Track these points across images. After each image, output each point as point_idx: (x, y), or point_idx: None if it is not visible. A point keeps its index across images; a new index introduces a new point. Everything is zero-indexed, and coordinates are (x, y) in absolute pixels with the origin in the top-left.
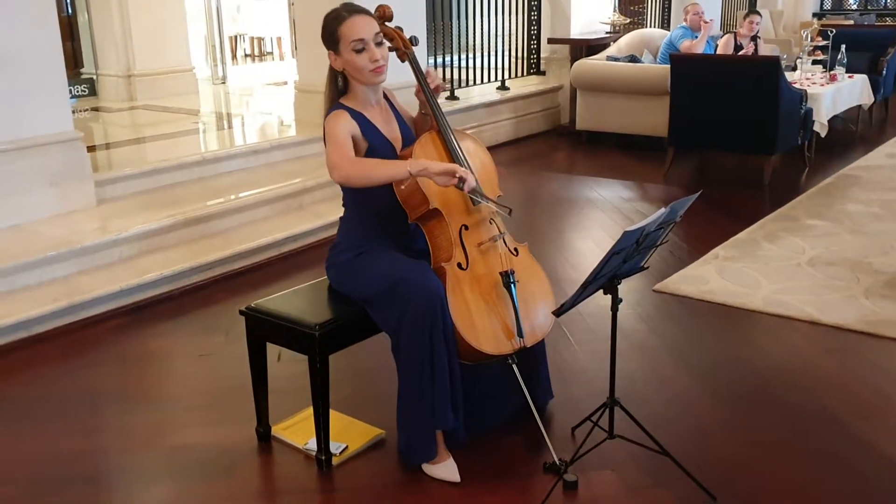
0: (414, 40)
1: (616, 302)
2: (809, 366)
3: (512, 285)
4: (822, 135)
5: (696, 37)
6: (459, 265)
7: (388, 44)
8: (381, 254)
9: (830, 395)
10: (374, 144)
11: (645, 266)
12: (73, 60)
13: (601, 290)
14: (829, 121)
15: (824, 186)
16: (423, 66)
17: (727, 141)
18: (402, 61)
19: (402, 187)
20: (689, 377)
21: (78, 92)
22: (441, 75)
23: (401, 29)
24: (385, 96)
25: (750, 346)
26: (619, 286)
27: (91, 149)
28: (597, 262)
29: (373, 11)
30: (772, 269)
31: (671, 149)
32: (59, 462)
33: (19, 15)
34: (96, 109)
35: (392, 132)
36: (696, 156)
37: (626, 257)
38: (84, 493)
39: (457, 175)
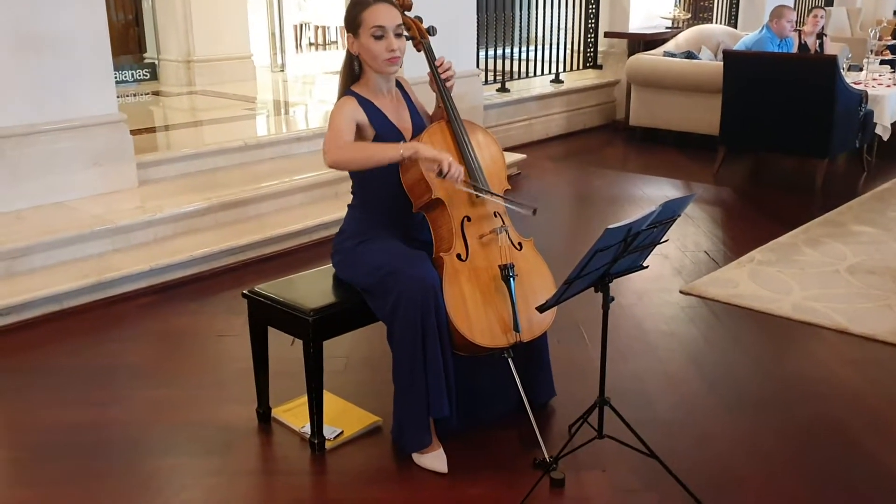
0: (431, 30)
1: (607, 300)
2: (829, 376)
3: (511, 279)
4: (885, 138)
5: (780, 43)
6: (459, 256)
7: (405, 34)
8: (382, 243)
9: (846, 406)
10: (381, 133)
11: (644, 265)
12: (138, 45)
13: (593, 288)
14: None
15: (879, 192)
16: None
17: (779, 142)
18: (418, 50)
19: (407, 175)
20: (699, 381)
21: (140, 76)
22: (494, 67)
23: (420, 19)
24: (400, 85)
25: (770, 353)
26: (609, 284)
27: (150, 130)
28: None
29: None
30: (807, 274)
31: (722, 148)
32: (69, 430)
33: None
34: (157, 93)
35: (402, 122)
36: (751, 156)
37: (616, 255)
38: (85, 461)
39: (440, 165)
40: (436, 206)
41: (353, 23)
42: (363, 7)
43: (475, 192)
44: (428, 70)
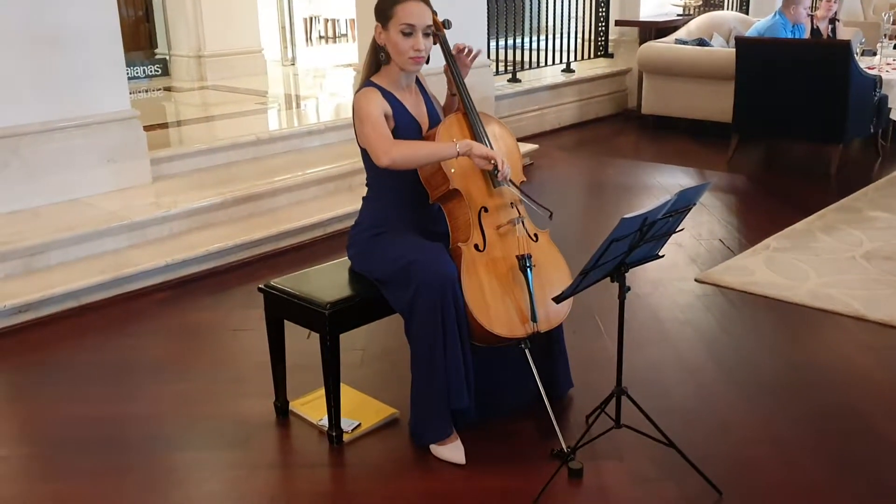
0: (447, 23)
1: (623, 290)
2: (846, 363)
3: (528, 269)
4: None
5: (793, 28)
6: (476, 246)
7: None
8: (399, 234)
9: (864, 393)
10: (400, 125)
11: (660, 254)
12: (149, 41)
13: (608, 279)
14: None
15: (894, 177)
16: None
17: (793, 129)
18: (434, 43)
19: (425, 167)
20: (716, 369)
21: (151, 72)
22: (505, 57)
23: (435, 13)
24: (416, 79)
25: (786, 340)
26: (626, 274)
27: (163, 126)
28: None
29: None
30: (823, 261)
31: (735, 135)
32: (89, 426)
33: None
34: (168, 89)
35: (420, 114)
36: (764, 143)
37: (631, 245)
38: (105, 455)
39: (492, 162)
40: (453, 197)
41: (384, 14)
42: (397, 0)
43: (512, 188)
44: (444, 63)
